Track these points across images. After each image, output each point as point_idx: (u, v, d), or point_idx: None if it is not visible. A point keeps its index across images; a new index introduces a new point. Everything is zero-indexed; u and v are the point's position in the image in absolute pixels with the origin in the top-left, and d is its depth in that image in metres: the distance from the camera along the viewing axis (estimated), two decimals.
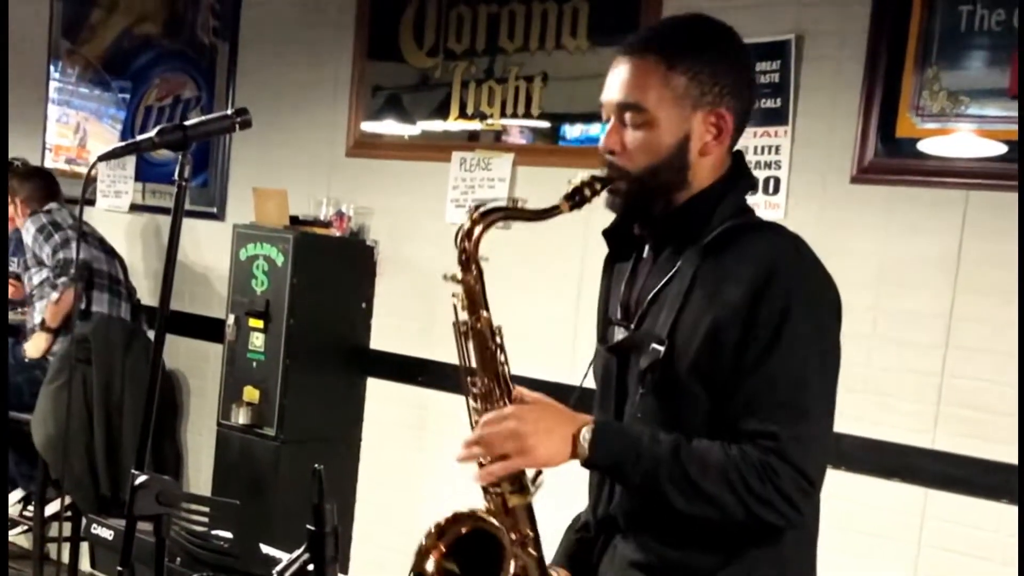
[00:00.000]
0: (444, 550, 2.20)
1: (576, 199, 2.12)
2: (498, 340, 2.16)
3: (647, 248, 2.27)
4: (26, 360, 5.57)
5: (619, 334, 2.25)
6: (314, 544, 1.89)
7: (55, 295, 5.40)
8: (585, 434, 2.07)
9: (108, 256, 5.65)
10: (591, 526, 2.34)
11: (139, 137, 2.08)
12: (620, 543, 2.22)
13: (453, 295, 2.16)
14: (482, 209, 2.14)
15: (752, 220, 2.21)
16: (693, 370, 2.07)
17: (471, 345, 2.16)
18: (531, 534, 2.16)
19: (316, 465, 1.88)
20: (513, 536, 2.15)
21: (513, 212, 2.14)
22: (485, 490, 2.16)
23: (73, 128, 6.59)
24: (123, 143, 2.10)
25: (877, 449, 3.71)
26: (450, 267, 2.16)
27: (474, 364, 2.16)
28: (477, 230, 2.13)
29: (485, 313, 2.15)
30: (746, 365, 2.02)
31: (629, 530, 2.19)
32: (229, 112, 2.11)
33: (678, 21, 2.24)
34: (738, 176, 2.22)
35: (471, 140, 4.80)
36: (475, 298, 2.14)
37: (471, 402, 2.18)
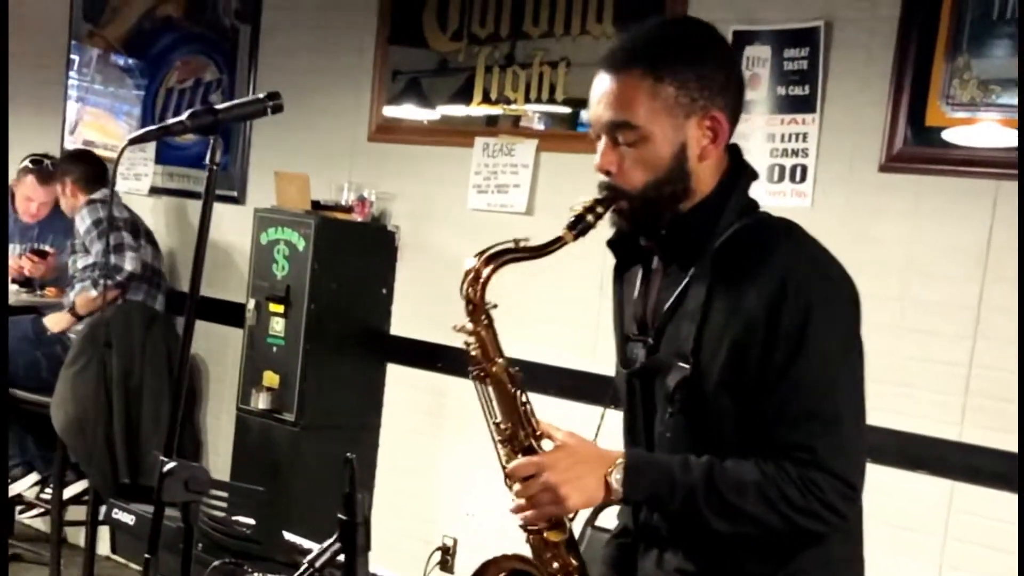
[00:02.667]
0: None
1: (580, 227, 2.09)
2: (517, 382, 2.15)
3: (655, 259, 2.23)
4: (47, 334, 5.57)
5: (638, 350, 2.22)
6: (345, 533, 1.88)
7: (94, 292, 5.40)
8: (616, 475, 2.07)
9: (155, 249, 5.68)
10: (630, 531, 2.32)
11: (170, 121, 2.06)
12: (666, 550, 2.20)
13: (466, 343, 2.15)
14: (486, 254, 2.12)
15: (760, 219, 2.16)
16: (720, 386, 2.05)
17: (491, 390, 2.15)
18: (575, 563, 2.17)
19: (348, 454, 1.87)
20: (556, 565, 2.15)
21: (517, 252, 2.11)
22: (524, 527, 2.16)
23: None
24: (154, 126, 2.09)
25: (902, 440, 3.67)
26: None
27: (496, 408, 2.16)
28: (483, 275, 2.12)
29: (500, 359, 2.14)
30: (773, 376, 2.01)
31: (674, 537, 2.17)
32: (261, 96, 2.09)
33: (657, 28, 2.19)
34: (739, 172, 2.17)
35: (489, 125, 4.77)
36: (487, 346, 2.14)
37: (499, 448, 2.17)
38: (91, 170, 5.74)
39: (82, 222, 5.51)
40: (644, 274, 2.25)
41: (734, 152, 2.18)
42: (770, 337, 2.00)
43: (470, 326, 2.14)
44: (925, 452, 3.65)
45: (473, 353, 2.15)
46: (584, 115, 4.46)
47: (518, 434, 2.13)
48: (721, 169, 2.15)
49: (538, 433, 2.14)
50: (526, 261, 2.12)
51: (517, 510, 2.10)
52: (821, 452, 1.99)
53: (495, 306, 2.14)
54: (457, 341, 4.77)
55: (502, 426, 2.15)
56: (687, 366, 2.06)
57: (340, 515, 1.88)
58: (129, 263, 5.43)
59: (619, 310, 2.33)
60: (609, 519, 2.49)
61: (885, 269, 3.65)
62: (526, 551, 2.21)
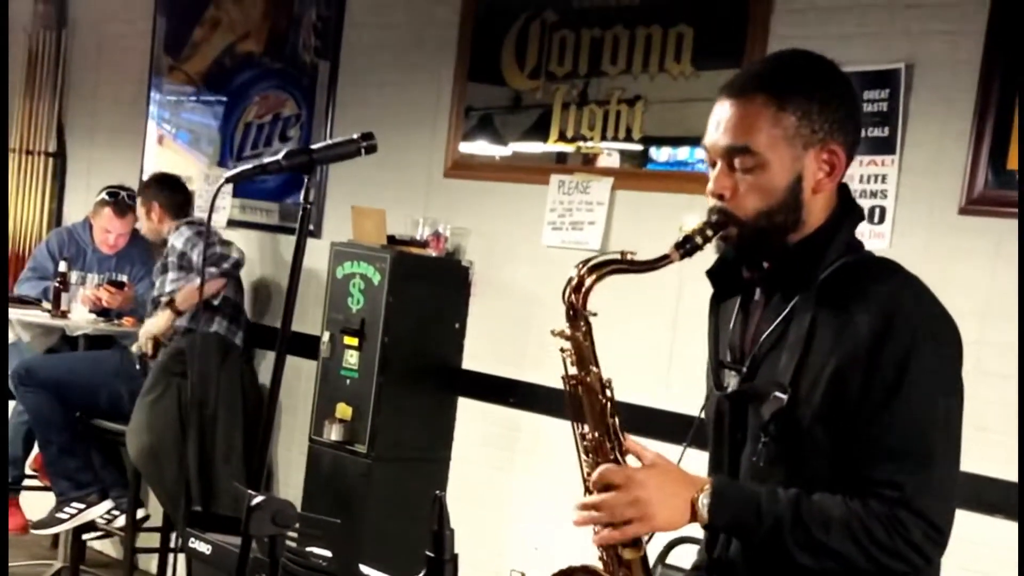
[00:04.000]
0: None
1: (687, 247, 2.09)
2: (608, 394, 2.15)
3: (757, 291, 2.24)
4: (136, 356, 5.61)
5: (731, 378, 2.22)
6: (433, 571, 1.89)
7: (197, 280, 5.44)
8: (703, 499, 2.07)
9: (239, 284, 5.72)
10: (704, 566, 2.32)
11: (266, 160, 2.10)
12: None
13: (562, 350, 2.15)
14: (591, 263, 2.14)
15: (865, 257, 2.19)
16: (817, 417, 2.05)
17: (582, 400, 2.15)
18: None
19: (437, 491, 1.88)
20: None
21: (623, 264, 2.11)
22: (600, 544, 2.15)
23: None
24: (251, 165, 2.13)
25: (979, 484, 3.63)
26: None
27: (585, 419, 2.16)
28: (586, 284, 2.13)
29: (595, 368, 2.14)
30: (870, 410, 2.01)
31: (748, 572, 2.17)
32: (356, 136, 2.12)
33: (782, 59, 2.22)
34: (847, 210, 2.19)
35: (558, 163, 4.80)
36: (584, 353, 2.15)
37: (583, 455, 2.17)
38: (180, 197, 5.83)
39: (179, 236, 5.56)
40: (742, 304, 2.26)
41: (843, 190, 2.19)
42: (871, 371, 2.00)
43: (568, 331, 2.14)
44: (1002, 496, 3.61)
45: (568, 360, 2.15)
46: (655, 152, 4.48)
47: (604, 446, 2.13)
48: (831, 205, 2.16)
49: (624, 448, 2.14)
50: (630, 274, 2.12)
51: (589, 521, 2.10)
52: (909, 491, 1.98)
53: (595, 315, 2.14)
54: (528, 376, 4.83)
55: (588, 436, 2.15)
56: (784, 396, 2.06)
57: (427, 552, 1.89)
58: (236, 252, 5.49)
59: (715, 338, 2.32)
60: (679, 558, 2.49)
61: (964, 312, 3.56)
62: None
